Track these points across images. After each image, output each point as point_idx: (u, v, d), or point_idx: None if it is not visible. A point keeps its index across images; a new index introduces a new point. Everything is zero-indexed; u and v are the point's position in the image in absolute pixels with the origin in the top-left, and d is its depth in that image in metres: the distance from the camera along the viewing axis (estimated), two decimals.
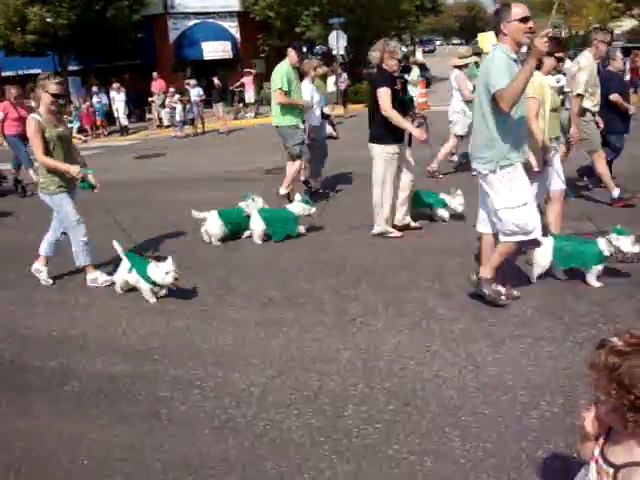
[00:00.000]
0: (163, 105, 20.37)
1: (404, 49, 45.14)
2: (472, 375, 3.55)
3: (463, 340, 3.98)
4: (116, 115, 20.80)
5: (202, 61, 26.98)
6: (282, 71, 7.52)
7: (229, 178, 10.68)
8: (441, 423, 3.12)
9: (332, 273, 5.43)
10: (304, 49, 8.71)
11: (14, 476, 3.05)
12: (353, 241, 6.37)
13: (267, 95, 22.56)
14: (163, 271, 4.77)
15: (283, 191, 7.81)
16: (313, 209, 6.63)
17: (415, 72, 16.35)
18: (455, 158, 9.64)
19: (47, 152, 5.28)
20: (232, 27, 28.40)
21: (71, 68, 25.79)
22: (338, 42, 21.95)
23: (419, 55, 30.02)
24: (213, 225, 6.52)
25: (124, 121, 20.67)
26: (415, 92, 15.88)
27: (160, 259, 4.97)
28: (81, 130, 21.12)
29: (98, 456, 3.12)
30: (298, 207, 6.56)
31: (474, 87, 8.97)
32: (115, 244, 5.23)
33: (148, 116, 23.44)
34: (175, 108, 18.90)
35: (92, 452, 3.16)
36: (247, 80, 22.24)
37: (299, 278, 5.36)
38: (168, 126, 19.93)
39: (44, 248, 5.73)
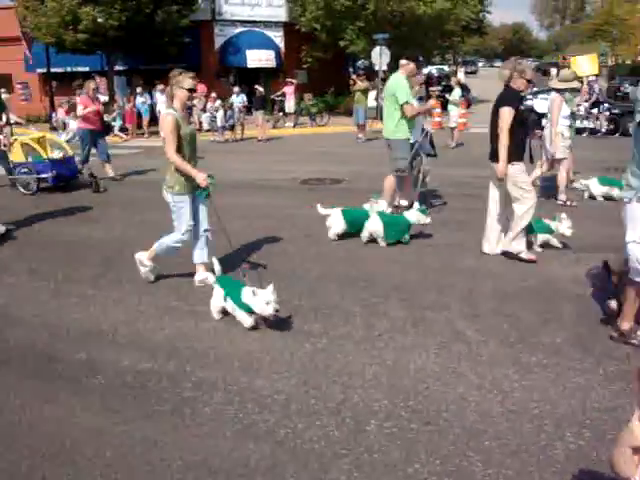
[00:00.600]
0: (204, 109, 20.63)
1: (446, 69, 44.84)
2: (498, 400, 3.51)
3: (490, 364, 3.94)
4: (158, 116, 21.11)
5: (245, 68, 27.32)
6: (403, 83, 7.36)
7: (264, 186, 10.76)
8: (463, 446, 3.09)
9: (362, 287, 5.43)
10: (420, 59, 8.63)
11: (39, 460, 3.11)
12: (384, 256, 6.37)
13: (307, 106, 22.78)
14: (263, 301, 4.36)
15: (404, 202, 7.66)
16: (428, 219, 6.73)
17: (457, 92, 16.35)
18: (538, 182, 9.15)
19: (178, 150, 5.20)
20: (277, 37, 28.73)
21: (118, 68, 26.31)
22: (381, 58, 22.02)
23: (461, 75, 29.95)
24: (336, 221, 6.87)
25: None
26: (456, 112, 15.88)
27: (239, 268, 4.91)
28: (122, 129, 21.56)
29: (121, 450, 3.17)
30: (415, 215, 6.67)
31: (572, 113, 8.81)
32: (215, 263, 5.03)
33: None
34: (216, 113, 19.13)
35: (115, 445, 3.20)
36: (288, 90, 22.47)
37: (328, 290, 5.37)
38: (208, 130, 20.16)
39: (197, 256, 5.58)
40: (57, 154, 10.81)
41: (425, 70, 38.97)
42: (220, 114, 18.92)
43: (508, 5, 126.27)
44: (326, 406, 3.51)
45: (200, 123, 21.38)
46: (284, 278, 5.72)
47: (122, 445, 3.21)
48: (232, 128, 18.97)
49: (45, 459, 3.12)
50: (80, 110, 10.68)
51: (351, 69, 31.26)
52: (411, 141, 7.72)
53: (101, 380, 3.90)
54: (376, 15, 24.75)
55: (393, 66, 26.14)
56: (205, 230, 5.54)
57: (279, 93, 22.69)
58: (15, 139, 10.42)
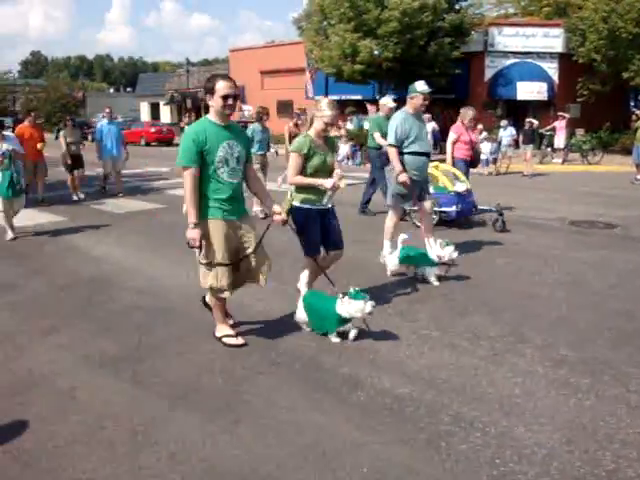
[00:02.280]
0: None
1: None
2: None
3: None
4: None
5: (514, 101, 26.73)
6: None
7: (527, 223, 10.35)
8: None
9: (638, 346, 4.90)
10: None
11: (302, 463, 3.34)
12: None
13: (578, 142, 21.45)
14: None
15: None
16: None
17: None
18: None
19: None
20: (551, 68, 27.65)
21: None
22: None
23: None
24: None
25: None
26: None
27: None
28: None
29: (377, 468, 3.26)
30: None
31: None
32: None
33: None
34: (481, 145, 19.01)
35: (372, 462, 3.31)
36: (559, 124, 21.42)
37: (599, 343, 4.94)
38: None
39: None
40: (459, 187, 9.69)
41: None
42: (486, 146, 18.73)
43: None
44: (593, 473, 3.22)
45: None
46: (550, 321, 5.43)
47: (378, 464, 3.30)
48: (495, 161, 18.66)
49: (308, 462, 3.34)
50: (451, 139, 9.74)
51: (632, 103, 28.76)
52: None
53: (361, 397, 4.07)
54: None
55: None
56: None
57: (549, 127, 21.71)
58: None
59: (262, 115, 10.82)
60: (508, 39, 27.94)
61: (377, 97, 26.92)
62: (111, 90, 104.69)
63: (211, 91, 4.52)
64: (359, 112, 28.50)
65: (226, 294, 4.81)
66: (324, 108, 5.24)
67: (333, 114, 5.24)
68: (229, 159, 4.60)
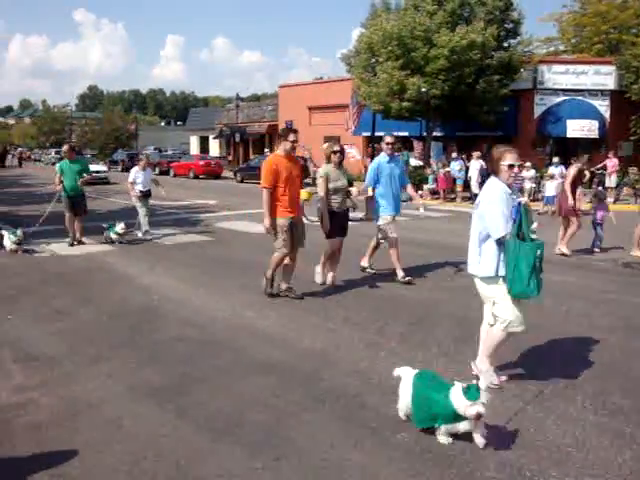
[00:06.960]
0: None
1: None
2: None
3: None
4: (469, 182, 21.56)
5: (563, 138, 26.37)
6: None
7: (579, 264, 10.10)
8: None
9: None
10: None
11: None
12: None
13: (632, 180, 20.94)
14: None
15: None
16: None
17: None
18: None
19: None
20: (602, 106, 27.23)
21: (435, 134, 27.65)
22: None
23: None
24: None
25: (475, 189, 21.26)
26: None
27: None
28: (434, 192, 22.46)
29: None
30: None
31: None
32: None
33: None
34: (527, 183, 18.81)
35: None
36: (610, 162, 21.02)
37: None
38: None
39: None
40: None
41: None
42: (528, 185, 18.51)
43: None
44: None
45: None
46: (601, 367, 5.24)
47: None
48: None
49: None
50: None
51: None
52: None
53: (405, 438, 4.00)
54: None
55: None
56: None
57: (600, 166, 21.31)
58: None
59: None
60: (558, 76, 27.73)
61: (424, 134, 27.05)
62: (162, 123, 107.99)
63: None
64: (406, 149, 28.58)
65: None
66: None
67: None
68: None
